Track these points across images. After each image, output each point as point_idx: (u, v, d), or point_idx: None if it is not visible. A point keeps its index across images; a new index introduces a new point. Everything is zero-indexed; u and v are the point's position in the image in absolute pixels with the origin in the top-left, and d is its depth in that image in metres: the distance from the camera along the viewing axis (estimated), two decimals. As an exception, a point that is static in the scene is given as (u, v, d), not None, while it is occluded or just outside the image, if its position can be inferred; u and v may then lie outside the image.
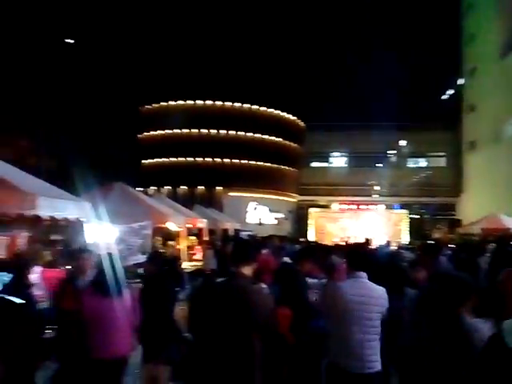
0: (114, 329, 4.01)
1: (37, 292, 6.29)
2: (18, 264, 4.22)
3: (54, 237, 9.16)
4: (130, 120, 33.52)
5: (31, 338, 3.99)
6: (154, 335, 4.55)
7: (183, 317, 6.00)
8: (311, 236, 28.56)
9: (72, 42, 25.36)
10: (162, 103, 35.62)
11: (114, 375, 4.08)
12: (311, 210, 31.19)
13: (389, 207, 30.63)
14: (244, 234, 19.42)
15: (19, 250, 6.59)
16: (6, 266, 6.18)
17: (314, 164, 41.23)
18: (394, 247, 16.01)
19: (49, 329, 5.76)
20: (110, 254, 4.32)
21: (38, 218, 6.33)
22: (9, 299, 3.96)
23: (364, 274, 3.57)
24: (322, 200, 36.33)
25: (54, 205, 6.13)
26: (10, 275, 4.28)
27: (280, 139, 36.91)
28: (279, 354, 4.06)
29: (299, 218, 35.19)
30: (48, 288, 6.73)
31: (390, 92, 30.19)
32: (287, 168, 37.68)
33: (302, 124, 39.20)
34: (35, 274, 6.51)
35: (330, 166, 40.70)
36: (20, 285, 4.11)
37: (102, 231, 8.45)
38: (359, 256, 3.68)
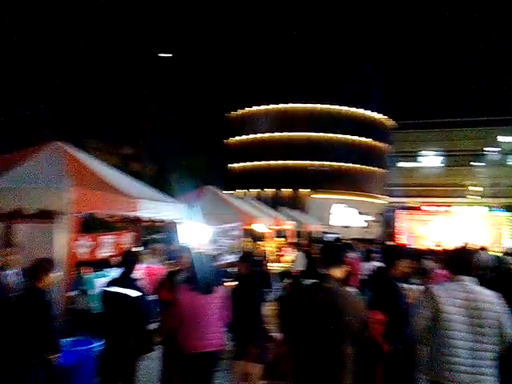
0: (207, 324, 4.15)
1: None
2: (126, 261, 4.61)
3: (153, 236, 9.82)
4: (218, 127, 34.84)
5: (141, 329, 4.35)
6: (245, 333, 4.68)
7: (271, 317, 6.12)
8: (400, 239, 27.30)
9: (169, 55, 27.10)
10: (247, 109, 36.54)
11: (206, 369, 4.24)
12: (399, 212, 29.83)
13: (488, 209, 28.21)
14: (330, 237, 19.17)
15: (126, 248, 7.19)
16: (114, 263, 6.89)
17: (404, 164, 39.36)
18: (494, 252, 14.73)
19: (152, 321, 6.23)
20: (203, 254, 4.55)
21: (139, 220, 6.89)
22: (125, 293, 4.35)
23: (470, 279, 3.26)
24: (411, 202, 34.58)
25: (153, 207, 6.64)
26: (119, 270, 4.68)
27: (367, 139, 35.85)
28: (372, 361, 3.96)
29: (387, 221, 33.84)
30: (150, 284, 7.29)
31: (486, 85, 27.93)
32: (375, 169, 36.45)
33: (391, 123, 37.68)
34: (139, 271, 7.09)
35: (421, 165, 38.54)
36: (128, 279, 4.49)
37: (196, 232, 8.92)
38: (463, 261, 3.35)
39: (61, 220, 5.09)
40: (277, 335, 6.27)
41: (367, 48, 33.02)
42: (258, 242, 12.86)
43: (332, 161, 34.61)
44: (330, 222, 32.43)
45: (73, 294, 6.20)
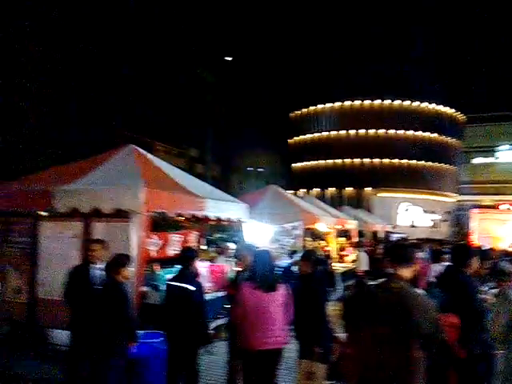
0: (269, 322, 4.19)
1: (205, 284, 7.11)
2: (184, 256, 4.82)
3: (219, 235, 10.12)
4: (281, 126, 35.02)
5: (198, 321, 4.53)
6: (309, 332, 4.68)
7: (335, 317, 6.07)
8: (473, 240, 25.72)
9: (230, 59, 27.72)
10: (310, 107, 36.30)
11: (269, 366, 4.30)
12: (474, 211, 28.04)
13: None
14: (395, 237, 18.56)
15: (187, 245, 7.47)
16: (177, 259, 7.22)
17: (477, 160, 37.04)
18: None
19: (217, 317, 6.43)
20: (265, 252, 4.62)
21: (205, 219, 7.14)
22: (184, 286, 4.57)
23: None
24: (486, 200, 32.47)
25: (219, 206, 6.85)
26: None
27: (435, 135, 34.19)
28: (445, 367, 3.79)
29: (458, 220, 32.06)
30: (214, 280, 7.53)
31: None
32: (444, 166, 34.68)
33: (461, 117, 35.66)
34: (203, 268, 7.36)
35: (497, 161, 36.03)
36: (186, 274, 4.69)
37: (258, 231, 9.06)
38: None
39: (134, 219, 5.41)
40: (341, 336, 6.20)
41: (434, 40, 31.53)
42: (320, 242, 12.77)
43: (398, 158, 33.41)
44: (398, 222, 31.30)
45: (145, 289, 6.56)
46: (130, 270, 4.72)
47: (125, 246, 5.34)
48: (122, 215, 5.74)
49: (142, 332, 5.31)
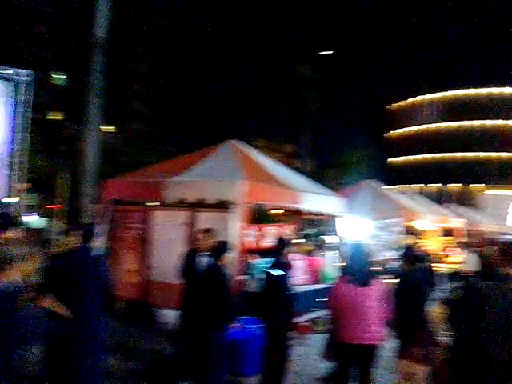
0: (363, 317, 4.12)
1: (301, 276, 7.22)
2: (277, 246, 5.03)
3: (314, 230, 10.15)
4: (377, 120, 33.86)
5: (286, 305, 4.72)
6: (408, 332, 4.55)
7: (438, 320, 5.78)
8: None
9: (328, 53, 27.47)
10: (409, 99, 34.54)
11: (363, 361, 4.25)
12: None
13: None
14: (507, 239, 16.91)
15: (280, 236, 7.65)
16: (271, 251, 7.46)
17: None
18: None
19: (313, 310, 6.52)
20: (361, 246, 4.57)
21: (302, 212, 7.24)
22: (270, 271, 4.86)
23: None
24: None
25: (315, 200, 6.90)
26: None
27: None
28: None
29: None
30: (310, 274, 7.61)
31: None
32: None
33: None
34: (300, 261, 7.47)
35: None
36: (279, 263, 4.90)
37: (356, 225, 8.92)
38: None
39: (235, 210, 5.69)
40: (443, 339, 5.91)
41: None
42: (420, 240, 12.16)
43: (509, 151, 30.37)
44: (507, 223, 28.50)
45: (243, 278, 6.87)
46: (230, 257, 5.01)
47: (225, 235, 5.64)
48: (223, 206, 6.08)
49: (241, 318, 5.61)
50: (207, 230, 5.39)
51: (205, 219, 6.46)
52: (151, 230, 7.00)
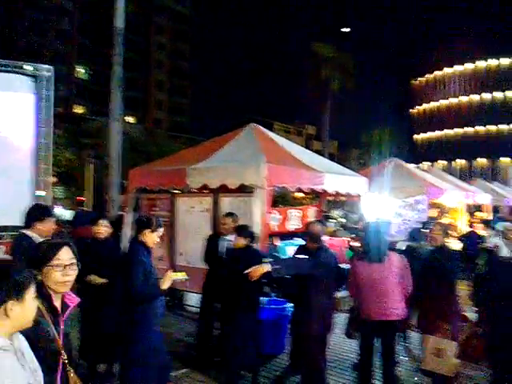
0: (381, 293, 4.14)
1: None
2: (306, 232, 5.00)
3: (336, 211, 10.17)
4: (401, 96, 33.07)
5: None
6: (435, 307, 4.55)
7: (466, 295, 5.75)
8: None
9: (347, 30, 26.90)
10: (436, 72, 33.51)
11: (386, 337, 4.28)
12: None
13: None
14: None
15: (309, 221, 7.69)
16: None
17: None
18: None
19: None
20: (377, 224, 4.56)
21: (325, 193, 7.23)
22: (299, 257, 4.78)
23: None
24: None
25: (338, 181, 6.89)
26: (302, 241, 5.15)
27: None
28: None
29: None
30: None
31: None
32: None
33: None
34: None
35: None
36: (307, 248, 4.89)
37: (380, 205, 8.86)
38: None
39: (257, 193, 5.75)
40: (471, 315, 5.88)
41: None
42: (447, 217, 11.97)
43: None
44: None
45: (267, 260, 6.97)
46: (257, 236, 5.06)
47: (249, 219, 5.72)
48: (246, 190, 6.14)
49: (267, 299, 5.72)
50: (229, 215, 5.48)
51: (228, 204, 6.56)
52: (177, 216, 7.16)
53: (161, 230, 3.92)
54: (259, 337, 4.76)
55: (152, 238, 3.84)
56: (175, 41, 57.96)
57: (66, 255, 2.13)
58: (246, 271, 4.04)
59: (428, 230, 5.33)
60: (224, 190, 6.33)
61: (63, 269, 2.09)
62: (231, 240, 5.10)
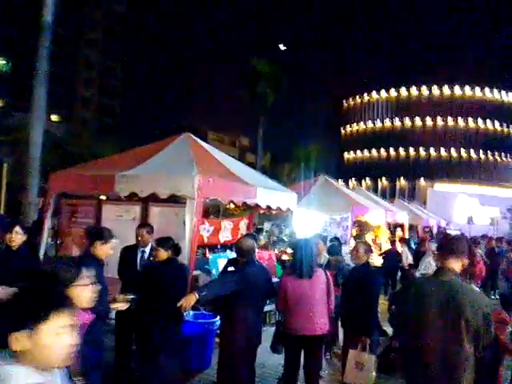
0: (308, 308, 4.25)
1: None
2: (237, 246, 4.96)
3: (265, 224, 10.28)
4: (333, 115, 34.56)
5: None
6: (358, 323, 4.71)
7: (383, 310, 6.03)
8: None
9: (283, 48, 27.63)
10: (365, 95, 35.51)
11: (310, 352, 4.37)
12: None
13: None
14: (450, 233, 17.90)
15: (242, 234, 7.67)
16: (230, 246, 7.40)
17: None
18: None
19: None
20: (306, 240, 4.68)
21: (257, 206, 7.28)
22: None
23: None
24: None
25: (269, 195, 6.97)
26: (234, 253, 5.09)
27: (499, 125, 32.32)
28: (496, 363, 3.73)
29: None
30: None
31: None
32: (509, 159, 32.79)
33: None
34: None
35: None
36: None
37: (308, 220, 9.10)
38: None
39: (189, 204, 5.64)
40: (388, 329, 6.17)
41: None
42: (368, 234, 12.60)
43: (457, 148, 31.95)
44: (454, 218, 29.96)
45: (197, 273, 6.83)
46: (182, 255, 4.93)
47: (178, 230, 5.58)
48: (177, 200, 6.00)
49: (193, 312, 5.59)
50: (144, 225, 5.31)
51: (158, 214, 6.37)
52: (102, 224, 6.80)
53: (113, 241, 3.70)
54: (184, 352, 4.62)
55: (104, 250, 3.63)
56: (109, 40, 55.64)
57: None
58: (178, 304, 3.84)
59: (350, 247, 5.55)
60: (154, 199, 6.14)
61: None
62: (146, 252, 4.99)
